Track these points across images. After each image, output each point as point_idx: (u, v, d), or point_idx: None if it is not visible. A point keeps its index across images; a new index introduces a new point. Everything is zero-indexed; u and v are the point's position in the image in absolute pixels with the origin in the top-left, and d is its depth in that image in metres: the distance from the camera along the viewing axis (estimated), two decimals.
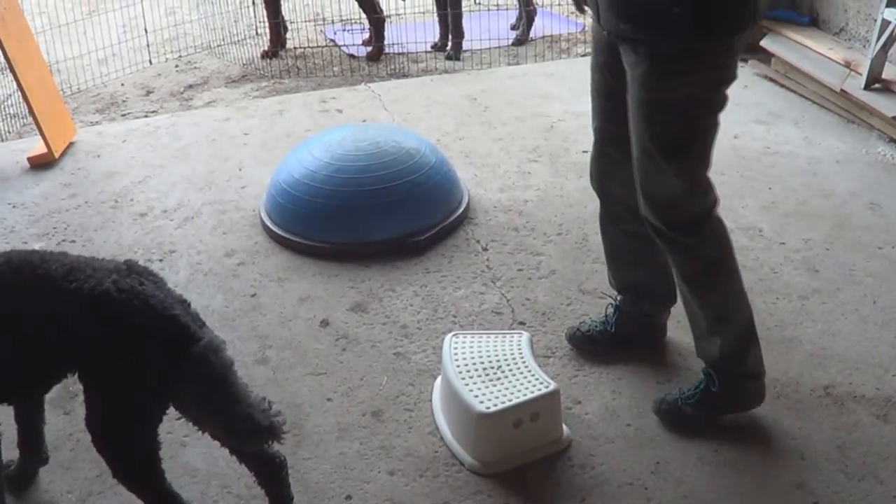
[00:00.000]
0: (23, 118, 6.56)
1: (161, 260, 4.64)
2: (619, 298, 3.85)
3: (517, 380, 3.36)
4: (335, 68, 7.72)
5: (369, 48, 8.01)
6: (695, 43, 2.94)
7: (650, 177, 3.19)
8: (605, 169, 3.53)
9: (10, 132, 6.48)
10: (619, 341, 3.82)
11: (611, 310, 3.87)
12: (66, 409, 3.64)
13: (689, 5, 2.87)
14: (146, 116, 6.73)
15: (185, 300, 2.80)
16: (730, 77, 3.06)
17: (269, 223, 4.81)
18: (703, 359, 3.48)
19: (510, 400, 3.27)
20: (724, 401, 3.45)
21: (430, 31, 8.23)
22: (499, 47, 8.00)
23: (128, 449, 2.79)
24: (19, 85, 5.58)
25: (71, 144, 5.96)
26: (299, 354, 3.95)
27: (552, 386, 3.34)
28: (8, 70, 5.79)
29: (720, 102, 3.09)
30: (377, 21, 7.90)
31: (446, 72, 7.53)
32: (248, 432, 2.68)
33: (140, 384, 2.67)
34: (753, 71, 6.81)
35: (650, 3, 2.91)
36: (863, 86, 5.99)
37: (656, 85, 3.03)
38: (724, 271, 3.36)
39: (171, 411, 3.58)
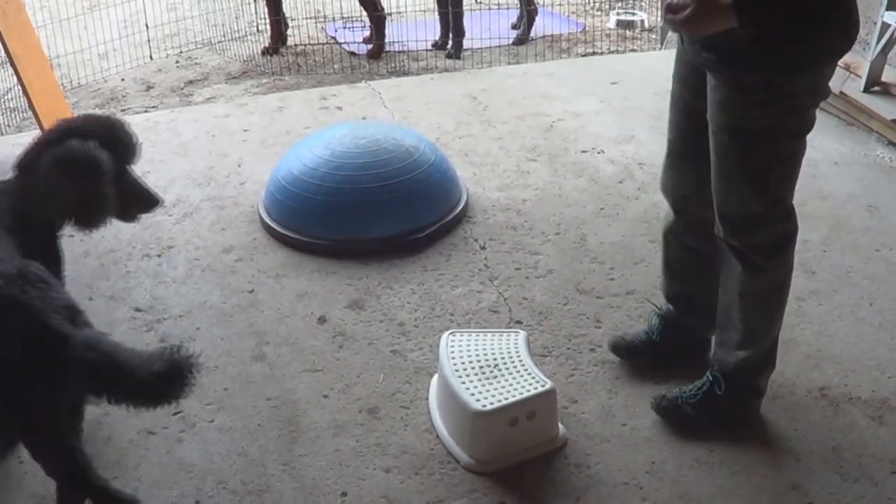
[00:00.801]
0: (23, 112, 6.57)
1: (159, 255, 4.65)
2: (664, 308, 3.81)
3: (514, 378, 3.36)
4: (335, 66, 7.73)
5: (370, 46, 8.04)
6: (781, 77, 2.85)
7: (729, 199, 3.12)
8: (675, 181, 3.47)
9: (9, 126, 6.50)
10: (663, 352, 3.76)
11: (655, 320, 3.81)
12: None
13: (774, 45, 2.76)
14: (146, 112, 6.74)
15: (72, 305, 2.79)
16: (819, 99, 2.99)
17: (267, 220, 4.81)
18: (717, 365, 3.46)
19: (506, 398, 3.26)
20: (726, 407, 3.44)
21: (431, 29, 8.24)
22: (499, 46, 8.02)
23: (48, 451, 2.86)
24: (20, 79, 5.59)
25: None
26: (296, 351, 3.95)
27: (548, 385, 3.33)
28: (8, 64, 5.80)
29: (807, 126, 3.00)
30: (378, 19, 7.93)
31: (447, 70, 7.54)
32: (159, 389, 2.69)
33: (25, 392, 2.68)
34: None
35: (735, 39, 2.74)
36: (862, 88, 6.00)
37: (738, 112, 2.95)
38: (783, 294, 3.34)
39: (164, 408, 3.60)
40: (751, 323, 3.33)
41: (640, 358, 3.78)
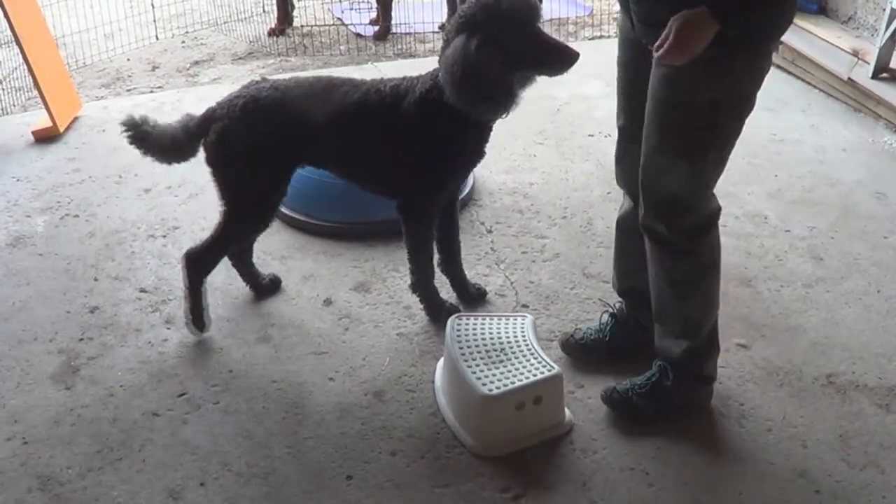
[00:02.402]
0: (28, 91, 6.55)
1: (164, 236, 4.64)
2: (616, 306, 3.81)
3: (520, 363, 3.36)
4: (342, 47, 7.70)
5: (376, 27, 8.00)
6: (730, 52, 2.82)
7: (660, 177, 3.10)
8: (629, 168, 3.43)
9: (14, 105, 6.47)
10: (614, 351, 3.74)
11: (606, 318, 3.80)
12: (66, 383, 3.65)
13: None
14: (152, 92, 6.72)
15: None
16: (761, 80, 2.98)
17: None
18: (661, 355, 3.44)
19: (513, 383, 3.26)
20: (675, 397, 3.42)
21: (438, 11, 8.20)
22: None
23: None
24: (25, 58, 5.57)
25: (76, 119, 5.95)
26: (302, 333, 3.95)
27: (555, 369, 3.33)
28: (14, 43, 5.78)
29: (748, 107, 3.01)
30: (384, 0, 7.88)
31: None
32: None
33: None
34: None
35: None
36: (870, 75, 5.98)
37: (683, 86, 2.92)
38: (713, 278, 3.32)
39: (170, 389, 3.60)
40: (687, 311, 3.33)
41: (590, 356, 3.75)
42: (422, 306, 3.99)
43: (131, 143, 3.83)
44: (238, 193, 3.75)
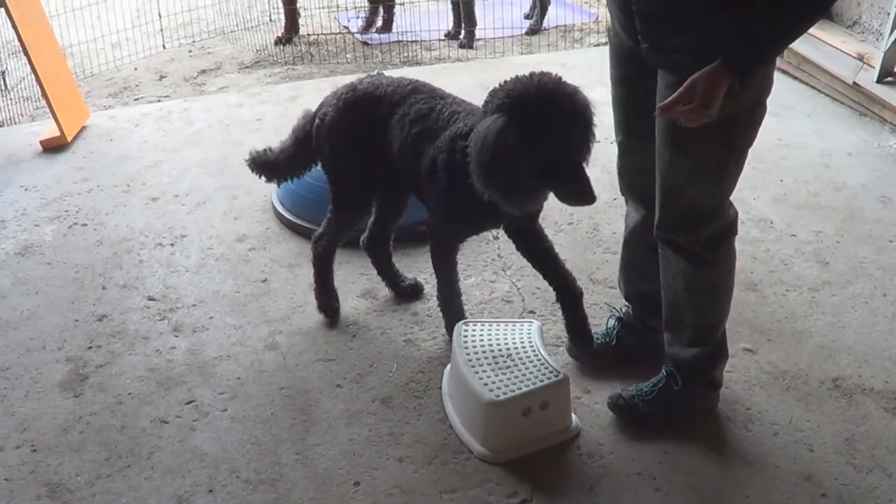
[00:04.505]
0: (36, 101, 6.58)
1: (172, 244, 4.66)
2: (622, 310, 3.82)
3: (527, 368, 3.36)
4: (348, 55, 7.72)
5: (382, 35, 8.05)
6: None
7: (678, 194, 3.10)
8: (634, 180, 3.45)
9: (23, 115, 6.51)
10: (621, 354, 3.74)
11: (612, 322, 3.81)
12: (75, 391, 3.66)
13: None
14: (159, 101, 6.74)
15: None
16: (770, 86, 2.97)
17: (280, 209, 4.81)
18: (672, 360, 3.44)
19: (519, 388, 3.26)
20: (682, 402, 3.43)
21: (444, 19, 8.22)
22: (512, 36, 7.99)
23: None
24: (33, 68, 5.59)
25: (84, 128, 5.97)
26: (309, 340, 3.96)
27: (562, 375, 3.33)
28: (22, 53, 5.80)
29: (761, 116, 3.01)
30: (389, 8, 7.96)
31: (459, 60, 7.53)
32: None
33: None
34: None
35: (711, 39, 2.73)
36: (875, 79, 5.98)
37: None
38: (729, 286, 3.34)
39: (178, 397, 3.61)
40: (701, 319, 3.33)
41: (597, 361, 3.76)
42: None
43: (260, 176, 4.16)
44: (338, 178, 3.89)
